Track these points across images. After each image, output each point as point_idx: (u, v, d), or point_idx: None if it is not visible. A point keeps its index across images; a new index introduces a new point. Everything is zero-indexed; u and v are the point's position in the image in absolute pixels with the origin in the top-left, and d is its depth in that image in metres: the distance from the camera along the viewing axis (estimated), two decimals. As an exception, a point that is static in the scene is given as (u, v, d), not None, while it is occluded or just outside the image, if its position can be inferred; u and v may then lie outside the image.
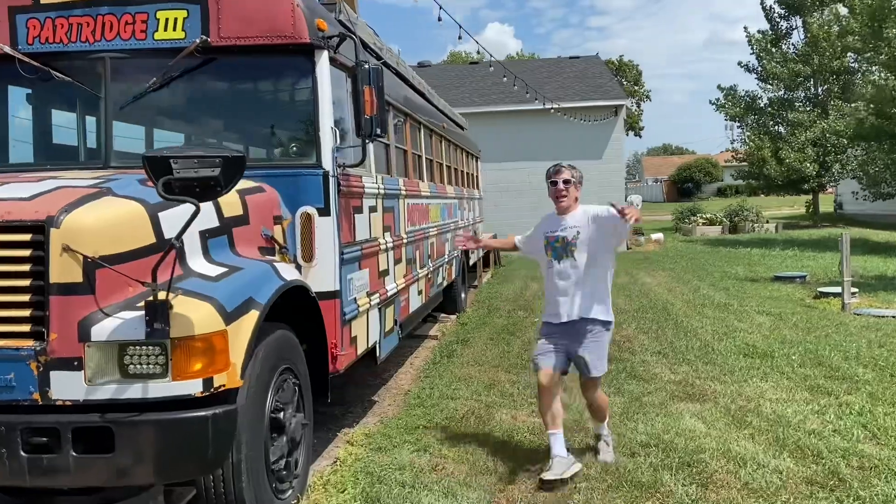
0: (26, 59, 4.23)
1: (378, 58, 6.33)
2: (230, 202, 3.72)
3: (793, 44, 29.10)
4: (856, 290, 10.57)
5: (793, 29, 29.17)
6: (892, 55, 17.66)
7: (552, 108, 17.94)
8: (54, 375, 2.95)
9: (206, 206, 3.53)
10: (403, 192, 6.39)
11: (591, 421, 4.83)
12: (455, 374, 6.94)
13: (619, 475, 4.35)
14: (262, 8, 4.22)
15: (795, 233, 25.67)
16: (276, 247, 4.07)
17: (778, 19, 29.19)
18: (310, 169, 4.32)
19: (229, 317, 3.13)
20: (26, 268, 2.99)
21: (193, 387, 2.98)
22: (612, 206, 4.11)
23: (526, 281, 14.11)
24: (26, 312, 2.99)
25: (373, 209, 5.34)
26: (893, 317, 9.17)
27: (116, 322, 2.95)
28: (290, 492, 3.77)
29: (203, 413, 2.96)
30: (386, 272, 5.71)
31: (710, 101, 28.92)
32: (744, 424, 5.26)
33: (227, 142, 4.78)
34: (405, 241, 6.45)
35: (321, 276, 4.34)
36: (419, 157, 7.55)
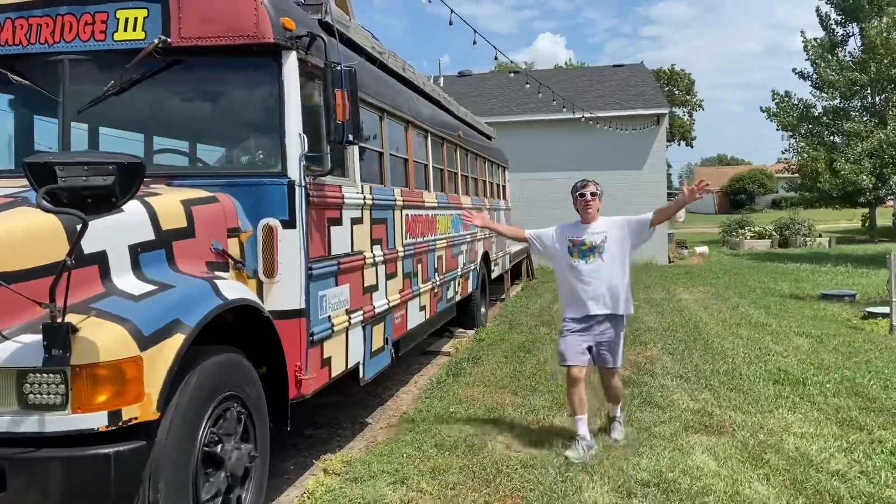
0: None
1: (374, 62, 6.01)
2: (171, 213, 3.43)
3: (849, 51, 27.89)
4: (906, 310, 9.82)
5: (849, 36, 27.97)
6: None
7: (582, 117, 17.40)
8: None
9: (139, 218, 3.26)
10: (400, 203, 6.05)
11: (607, 404, 5.38)
12: (457, 396, 6.55)
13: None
14: (224, 6, 3.94)
15: (850, 248, 24.56)
16: (231, 262, 3.76)
17: (834, 26, 28.02)
18: (273, 178, 4.01)
19: (146, 341, 2.82)
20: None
21: (97, 420, 2.67)
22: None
23: (554, 294, 13.63)
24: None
25: (356, 221, 5.01)
26: (945, 341, 8.46)
27: (14, 346, 2.66)
28: (231, 531, 3.44)
29: (104, 451, 2.65)
30: (374, 287, 5.36)
31: (762, 109, 27.91)
32: (760, 462, 4.75)
33: (189, 147, 4.51)
34: (402, 254, 6.10)
35: (284, 294, 4.02)
36: (425, 166, 7.20)
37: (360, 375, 5.09)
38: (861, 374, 6.96)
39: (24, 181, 2.79)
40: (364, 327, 5.13)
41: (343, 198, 4.71)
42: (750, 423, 5.58)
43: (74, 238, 2.54)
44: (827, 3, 27.91)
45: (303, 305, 4.09)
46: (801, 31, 28.98)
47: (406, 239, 6.24)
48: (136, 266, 3.18)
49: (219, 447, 3.29)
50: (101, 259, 3.03)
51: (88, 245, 2.95)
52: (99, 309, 2.83)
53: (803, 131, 27.84)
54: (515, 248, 14.38)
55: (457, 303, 8.94)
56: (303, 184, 4.09)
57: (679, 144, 67.84)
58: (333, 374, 4.59)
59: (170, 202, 3.47)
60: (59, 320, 2.57)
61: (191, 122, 4.43)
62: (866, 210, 29.06)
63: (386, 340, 5.65)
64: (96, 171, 2.37)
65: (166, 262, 3.35)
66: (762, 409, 5.94)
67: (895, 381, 6.65)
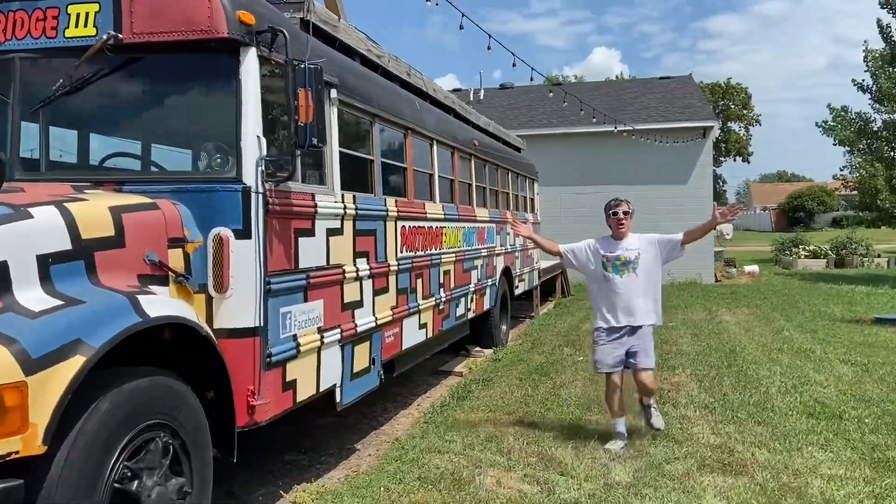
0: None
1: (367, 63, 5.68)
2: (95, 220, 3.11)
3: (911, 63, 26.54)
4: (964, 338, 9.02)
5: (912, 47, 26.64)
6: None
7: (615, 129, 16.83)
8: None
9: (52, 225, 2.95)
10: (394, 214, 5.67)
11: (642, 397, 5.62)
12: (457, 421, 6.12)
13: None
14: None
15: (911, 269, 23.26)
16: (171, 275, 3.43)
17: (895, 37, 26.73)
18: (226, 183, 3.68)
19: (33, 365, 2.49)
20: None
21: (-34, 454, 2.35)
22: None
23: (587, 312, 13.08)
24: None
25: (334, 232, 4.65)
26: None
27: None
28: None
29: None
30: (357, 304, 4.99)
31: (817, 124, 26.73)
32: (777, 510, 4.21)
33: (141, 150, 4.21)
34: (396, 268, 5.72)
35: (236, 310, 3.68)
36: (430, 175, 6.83)
37: (337, 399, 4.71)
38: (906, 408, 6.30)
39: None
40: (343, 347, 4.76)
41: (316, 207, 4.36)
42: (773, 463, 5.02)
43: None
44: (889, 13, 26.67)
45: (258, 323, 3.74)
46: (864, 42, 27.72)
47: (402, 252, 5.86)
48: (45, 279, 2.86)
49: (134, 483, 2.94)
50: (-1, 270, 2.72)
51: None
52: (-14, 327, 2.52)
53: (861, 147, 26.56)
54: (546, 263, 13.90)
55: (472, 320, 8.52)
56: (260, 190, 3.75)
57: (735, 160, 66.22)
58: (300, 399, 4.22)
59: (93, 208, 3.15)
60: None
61: (145, 123, 4.13)
62: (930, 229, 27.56)
63: (373, 361, 5.27)
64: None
65: (86, 274, 3.03)
66: (790, 447, 5.36)
67: (944, 418, 5.98)
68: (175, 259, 3.46)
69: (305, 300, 4.25)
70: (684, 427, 5.91)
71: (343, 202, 4.77)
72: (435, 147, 6.90)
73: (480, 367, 8.51)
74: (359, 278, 5.01)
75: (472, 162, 8.30)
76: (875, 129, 26.34)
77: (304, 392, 4.26)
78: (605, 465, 5.04)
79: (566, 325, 11.79)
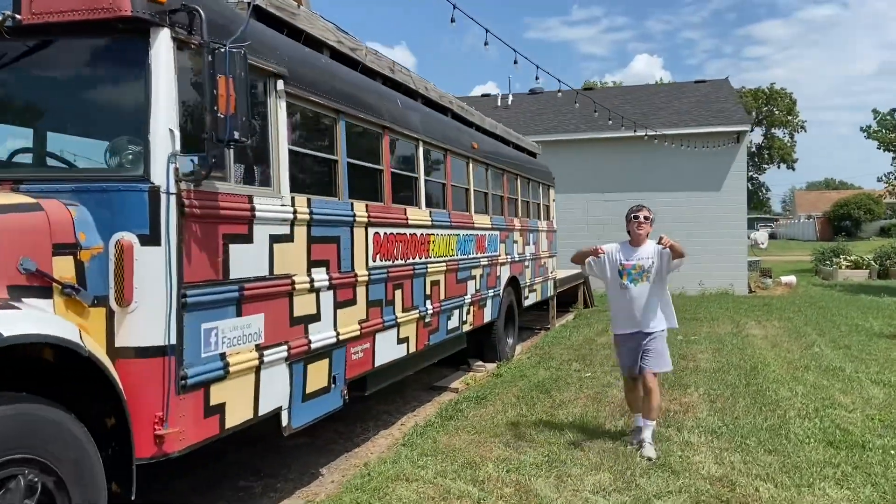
0: None
1: (341, 58, 5.24)
2: (-48, 224, 2.72)
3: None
4: None
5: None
6: None
7: (645, 135, 16.19)
8: None
9: None
10: (364, 219, 5.21)
11: (641, 415, 5.57)
12: (437, 445, 5.63)
13: None
14: (78, -26, 3.24)
15: (961, 281, 22.01)
16: (56, 286, 3.02)
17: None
18: (130, 182, 3.27)
19: None
20: None
21: None
22: (659, 240, 5.31)
23: (606, 325, 12.47)
24: None
25: (281, 238, 4.21)
26: None
27: None
28: None
29: None
30: (312, 317, 4.54)
31: (862, 129, 25.69)
32: (774, 562, 3.64)
33: (46, 145, 3.82)
34: (367, 278, 5.26)
35: (142, 326, 3.25)
36: (414, 179, 6.36)
37: (283, 423, 4.26)
38: (941, 438, 5.63)
39: None
40: (292, 365, 4.30)
41: (254, 210, 3.92)
42: (778, 500, 4.44)
43: None
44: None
45: (168, 341, 3.31)
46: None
47: (374, 261, 5.40)
48: None
49: (-15, 528, 2.53)
50: None
51: None
52: None
53: (907, 151, 25.43)
54: (563, 272, 13.33)
55: (472, 333, 8.02)
56: (173, 191, 3.32)
57: (779, 167, 64.41)
58: (231, 425, 3.77)
59: (-48, 210, 2.76)
60: None
61: (50, 114, 3.75)
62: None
63: (333, 379, 4.81)
64: None
65: (-61, 284, 2.63)
66: (800, 481, 4.77)
67: (983, 451, 5.30)
68: (62, 268, 3.05)
69: (238, 314, 3.82)
70: (685, 455, 5.34)
71: (293, 206, 4.33)
72: (421, 148, 6.43)
73: (479, 382, 8.00)
74: (314, 289, 4.56)
75: (471, 165, 7.81)
76: (922, 133, 25.23)
77: (237, 417, 3.82)
78: (586, 499, 4.51)
79: (581, 337, 11.20)
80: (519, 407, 6.83)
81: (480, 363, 8.73)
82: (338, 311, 4.86)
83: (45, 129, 3.79)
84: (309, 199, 4.50)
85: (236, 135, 3.33)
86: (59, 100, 3.65)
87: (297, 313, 4.37)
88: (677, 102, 21.56)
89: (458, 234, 7.20)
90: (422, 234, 6.29)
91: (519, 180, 9.88)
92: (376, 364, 5.48)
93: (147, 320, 3.26)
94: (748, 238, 21.79)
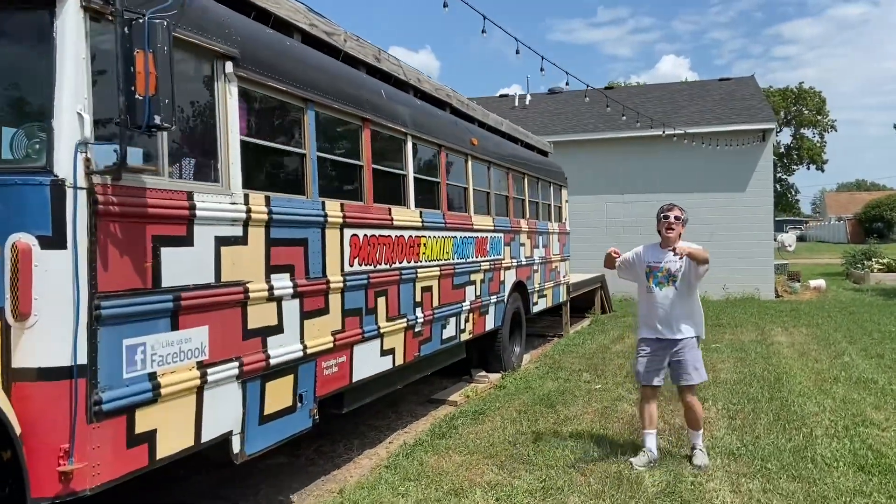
0: None
1: (318, 43, 4.75)
2: None
3: None
4: None
5: None
6: None
7: (664, 133, 15.56)
8: None
9: None
10: (338, 220, 4.71)
11: (688, 430, 5.32)
12: (423, 468, 5.11)
13: None
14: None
15: None
16: (-68, 296, 2.56)
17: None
18: (28, 175, 2.80)
19: None
20: None
21: None
22: (672, 249, 5.07)
23: (623, 331, 11.87)
24: None
25: (230, 240, 3.72)
26: None
27: None
28: None
29: None
30: (272, 329, 4.04)
31: (895, 126, 24.68)
32: None
33: None
34: (342, 284, 4.76)
35: (44, 344, 2.78)
36: (403, 177, 5.84)
37: (235, 450, 3.76)
38: None
39: None
40: (245, 384, 3.81)
41: (193, 209, 3.44)
42: (803, 541, 3.87)
43: None
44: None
45: (77, 361, 2.83)
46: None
47: (352, 266, 4.90)
48: None
49: None
50: None
51: None
52: None
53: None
54: (577, 276, 12.75)
55: (474, 342, 7.50)
56: (82, 185, 2.85)
57: (808, 168, 62.93)
58: (164, 455, 3.28)
59: None
60: None
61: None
62: None
63: (300, 397, 4.31)
64: None
65: None
66: (828, 515, 4.18)
67: None
68: (-59, 275, 2.59)
69: (174, 327, 3.33)
70: (697, 481, 4.79)
71: (247, 204, 3.84)
72: (410, 143, 5.92)
73: (480, 395, 7.47)
74: (275, 298, 4.07)
75: (470, 163, 7.28)
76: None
77: (173, 446, 3.33)
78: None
79: (595, 345, 10.60)
80: (519, 423, 6.29)
81: (484, 373, 8.20)
82: (305, 321, 4.36)
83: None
84: (268, 197, 4.01)
85: (157, 119, 2.85)
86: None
87: (252, 325, 3.87)
88: (700, 100, 20.83)
89: (454, 237, 6.68)
90: (411, 237, 5.78)
91: (527, 180, 9.33)
92: (355, 379, 4.97)
93: (49, 336, 2.79)
94: (775, 240, 20.99)
